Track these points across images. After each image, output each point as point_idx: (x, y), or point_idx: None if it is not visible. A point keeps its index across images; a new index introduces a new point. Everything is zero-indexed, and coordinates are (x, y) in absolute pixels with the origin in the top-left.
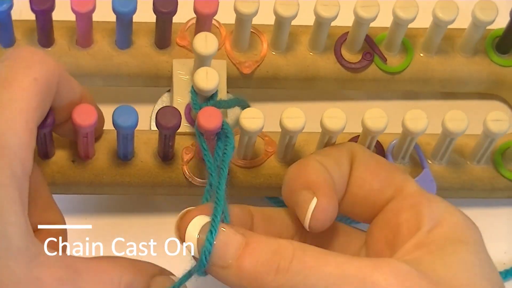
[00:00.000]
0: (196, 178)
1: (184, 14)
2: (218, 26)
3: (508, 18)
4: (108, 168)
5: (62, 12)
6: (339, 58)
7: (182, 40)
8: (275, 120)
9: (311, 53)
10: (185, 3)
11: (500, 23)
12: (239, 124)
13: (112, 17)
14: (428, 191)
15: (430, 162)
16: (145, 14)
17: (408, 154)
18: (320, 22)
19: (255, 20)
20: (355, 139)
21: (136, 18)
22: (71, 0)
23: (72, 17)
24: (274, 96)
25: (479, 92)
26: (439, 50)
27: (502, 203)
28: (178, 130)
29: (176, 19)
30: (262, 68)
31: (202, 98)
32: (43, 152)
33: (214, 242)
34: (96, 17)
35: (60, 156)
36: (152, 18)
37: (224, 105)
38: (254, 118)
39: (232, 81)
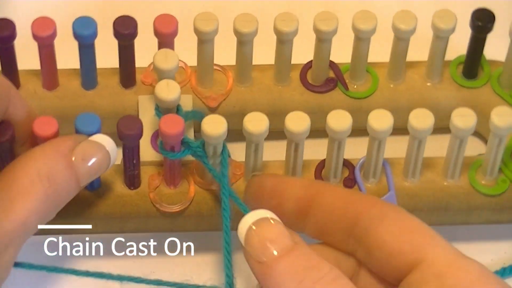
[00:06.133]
0: (165, 205)
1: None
2: (183, 66)
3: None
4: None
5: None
6: (304, 82)
7: (147, 78)
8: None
9: (277, 86)
10: (147, 48)
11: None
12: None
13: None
14: None
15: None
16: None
17: (378, 171)
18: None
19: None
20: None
21: (100, 64)
22: (31, 26)
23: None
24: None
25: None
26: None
27: None
28: (144, 159)
29: (139, 63)
30: (228, 103)
31: (165, 112)
32: None
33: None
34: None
35: None
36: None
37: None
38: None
39: None
